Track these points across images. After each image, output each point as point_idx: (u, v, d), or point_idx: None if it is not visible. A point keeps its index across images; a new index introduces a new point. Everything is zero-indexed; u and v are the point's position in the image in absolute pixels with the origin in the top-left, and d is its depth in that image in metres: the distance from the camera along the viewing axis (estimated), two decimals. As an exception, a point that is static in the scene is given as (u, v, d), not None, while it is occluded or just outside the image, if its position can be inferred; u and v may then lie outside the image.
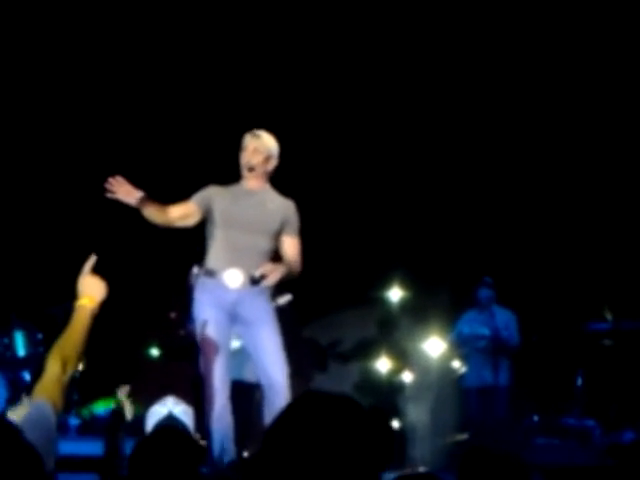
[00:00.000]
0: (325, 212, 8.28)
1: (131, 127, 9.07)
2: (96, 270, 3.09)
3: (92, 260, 3.07)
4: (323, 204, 8.66)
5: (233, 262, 5.51)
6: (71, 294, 8.06)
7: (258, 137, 5.73)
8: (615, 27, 8.65)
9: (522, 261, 9.14)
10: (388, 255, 9.04)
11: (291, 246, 5.73)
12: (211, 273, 5.53)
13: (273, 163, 5.77)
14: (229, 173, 5.84)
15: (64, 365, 2.78)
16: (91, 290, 3.00)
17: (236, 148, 5.77)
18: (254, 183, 5.76)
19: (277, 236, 5.71)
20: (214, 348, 5.39)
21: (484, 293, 8.61)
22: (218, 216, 5.63)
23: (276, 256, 5.74)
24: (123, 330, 8.97)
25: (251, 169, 5.70)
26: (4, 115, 8.66)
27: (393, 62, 9.08)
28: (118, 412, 4.15)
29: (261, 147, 5.72)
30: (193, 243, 5.70)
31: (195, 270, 5.57)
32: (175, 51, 8.84)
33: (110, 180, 5.34)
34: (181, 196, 5.83)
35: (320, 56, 8.94)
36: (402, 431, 8.72)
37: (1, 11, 8.38)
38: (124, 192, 5.35)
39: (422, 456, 8.63)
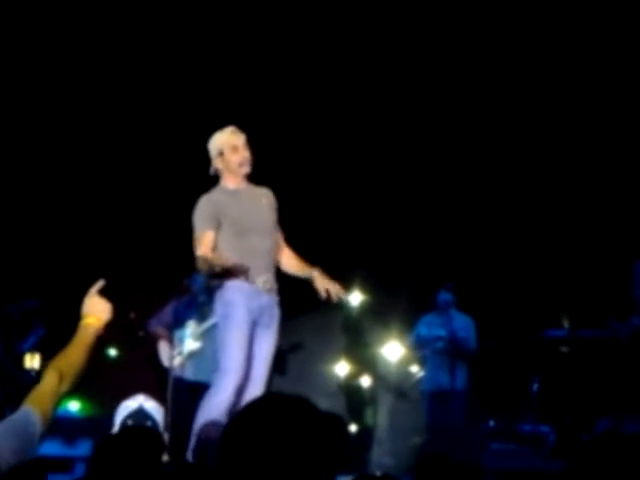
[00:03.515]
0: (286, 215, 8.28)
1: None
2: (54, 269, 3.12)
3: (100, 283, 3.08)
4: (284, 207, 8.65)
5: (257, 268, 5.50)
6: (28, 293, 7.97)
7: (240, 132, 5.63)
8: (615, 27, 8.72)
9: (481, 266, 9.20)
10: (348, 259, 9.04)
11: (280, 234, 5.80)
12: (245, 278, 5.47)
13: None
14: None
15: (61, 379, 2.78)
16: (98, 310, 3.00)
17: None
18: (240, 181, 5.66)
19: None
20: (242, 349, 5.50)
21: (443, 296, 8.67)
22: (230, 225, 5.53)
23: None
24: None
25: (250, 166, 5.62)
26: None
27: (376, 60, 9.09)
28: None
29: (245, 142, 5.64)
30: (158, 244, 5.66)
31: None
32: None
33: None
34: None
35: (310, 51, 8.92)
36: (360, 435, 8.75)
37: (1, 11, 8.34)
38: None
39: (380, 459, 8.68)
